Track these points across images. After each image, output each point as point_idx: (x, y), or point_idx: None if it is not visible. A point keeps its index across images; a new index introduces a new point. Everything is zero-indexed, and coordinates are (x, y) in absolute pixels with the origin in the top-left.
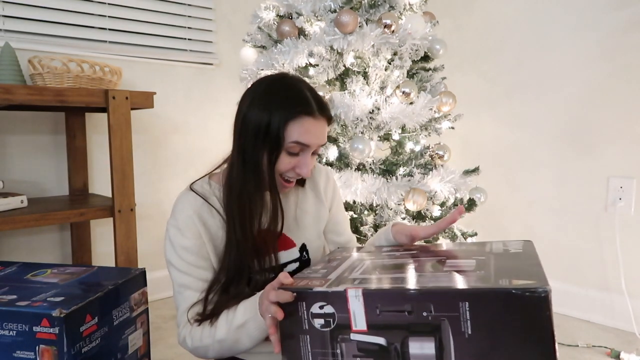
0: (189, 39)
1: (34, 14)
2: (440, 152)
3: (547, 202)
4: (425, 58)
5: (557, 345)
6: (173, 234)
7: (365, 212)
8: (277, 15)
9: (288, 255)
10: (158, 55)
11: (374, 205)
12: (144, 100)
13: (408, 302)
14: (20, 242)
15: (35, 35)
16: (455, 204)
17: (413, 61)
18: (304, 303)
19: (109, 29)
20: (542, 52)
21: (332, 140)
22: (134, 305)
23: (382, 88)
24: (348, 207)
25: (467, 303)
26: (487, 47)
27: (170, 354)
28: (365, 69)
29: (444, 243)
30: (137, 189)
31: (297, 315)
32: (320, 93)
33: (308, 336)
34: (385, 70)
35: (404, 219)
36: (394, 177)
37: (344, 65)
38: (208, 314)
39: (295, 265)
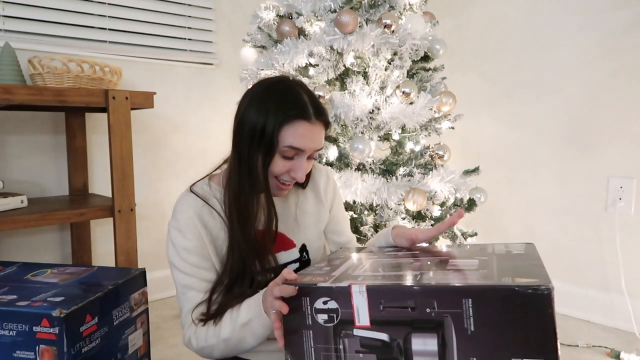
0: (189, 39)
1: (34, 14)
2: (440, 152)
3: (547, 202)
4: (425, 58)
5: (559, 344)
6: (174, 236)
7: (365, 212)
8: (277, 15)
9: (288, 255)
10: (158, 55)
11: (374, 205)
12: (144, 100)
13: (411, 298)
14: (20, 242)
15: (35, 35)
16: (455, 204)
17: (413, 61)
18: (307, 298)
19: (109, 29)
20: (542, 52)
21: (332, 140)
22: (134, 305)
23: (382, 88)
24: (348, 207)
25: (470, 300)
26: (487, 47)
27: (170, 354)
28: (365, 69)
29: (445, 245)
30: (137, 189)
31: (300, 311)
32: (321, 93)
33: (311, 331)
34: (385, 70)
35: (404, 219)
36: (394, 177)
37: (344, 65)
38: (212, 314)
39: (296, 265)
